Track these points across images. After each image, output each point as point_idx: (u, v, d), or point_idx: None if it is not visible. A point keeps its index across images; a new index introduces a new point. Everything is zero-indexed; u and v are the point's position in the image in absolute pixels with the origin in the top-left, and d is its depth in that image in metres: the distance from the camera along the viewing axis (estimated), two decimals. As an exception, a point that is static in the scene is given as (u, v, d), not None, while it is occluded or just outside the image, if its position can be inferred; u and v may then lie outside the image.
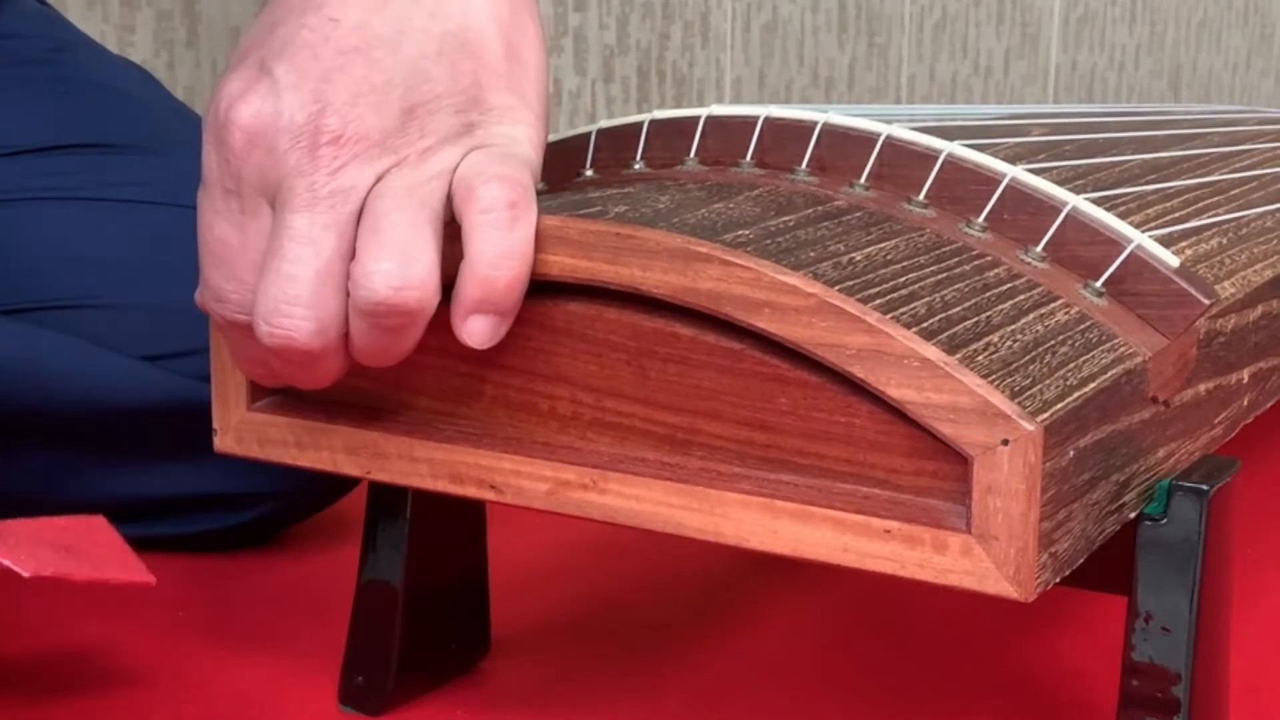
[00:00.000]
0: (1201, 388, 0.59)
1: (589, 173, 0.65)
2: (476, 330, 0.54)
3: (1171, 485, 0.55)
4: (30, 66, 0.85)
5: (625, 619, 0.76)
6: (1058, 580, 0.50)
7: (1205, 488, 0.55)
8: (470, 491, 0.56)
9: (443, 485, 0.57)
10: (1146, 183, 0.69)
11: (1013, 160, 0.61)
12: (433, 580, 0.65)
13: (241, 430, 0.61)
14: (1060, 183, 0.60)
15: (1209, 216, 0.68)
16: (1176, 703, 0.54)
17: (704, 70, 1.52)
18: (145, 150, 0.81)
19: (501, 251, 0.53)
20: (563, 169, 0.65)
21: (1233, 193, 0.73)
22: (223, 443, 0.61)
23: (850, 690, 0.68)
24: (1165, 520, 0.55)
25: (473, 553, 0.68)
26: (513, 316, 0.54)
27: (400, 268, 0.52)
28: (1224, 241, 0.66)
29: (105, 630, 0.72)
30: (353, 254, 0.53)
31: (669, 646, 0.72)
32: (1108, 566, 0.55)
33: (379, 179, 0.53)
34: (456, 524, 0.66)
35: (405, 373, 0.58)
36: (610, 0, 1.42)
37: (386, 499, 0.64)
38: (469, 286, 0.53)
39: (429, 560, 0.65)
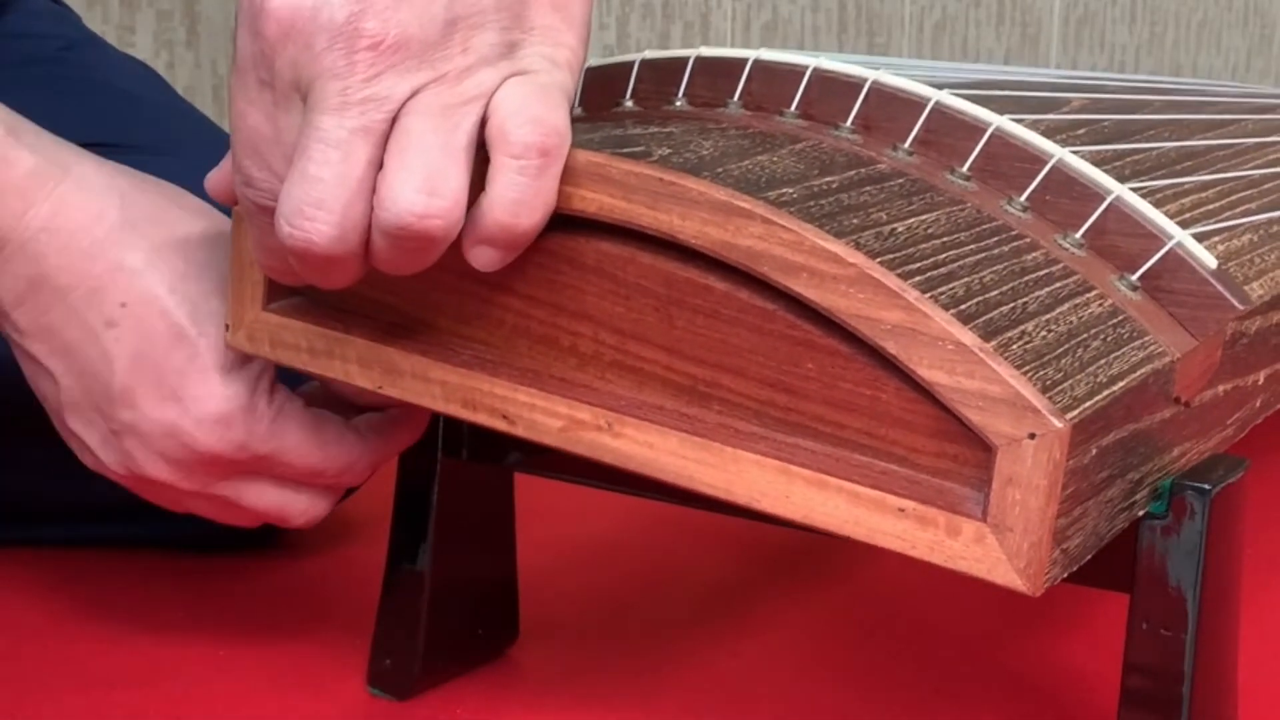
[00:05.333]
0: (1220, 388, 0.59)
1: (629, 103, 0.64)
2: (483, 259, 0.53)
3: (1174, 484, 0.55)
4: (38, 66, 0.83)
5: (629, 619, 0.76)
6: (1064, 576, 0.50)
7: (1208, 487, 0.55)
8: (482, 419, 0.56)
9: (454, 409, 0.56)
10: (1182, 171, 0.68)
11: (1052, 135, 0.60)
12: (461, 563, 0.65)
13: (254, 329, 0.60)
14: (1098, 164, 0.59)
15: (1241, 210, 0.67)
16: (1177, 703, 0.54)
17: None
18: (152, 150, 0.79)
19: (522, 199, 0.52)
20: (601, 96, 0.64)
21: (1265, 186, 0.73)
22: (234, 339, 0.60)
23: (850, 690, 0.68)
24: (1168, 519, 0.55)
25: (500, 536, 0.68)
26: (523, 249, 0.54)
27: (426, 196, 0.51)
28: (1254, 239, 0.66)
29: (105, 630, 0.71)
30: (381, 163, 0.52)
31: (667, 647, 0.72)
32: (1111, 563, 0.55)
33: (414, 93, 0.52)
34: (484, 508, 0.66)
35: (427, 291, 0.57)
36: (610, 0, 1.41)
37: (415, 482, 0.64)
38: (484, 224, 0.52)
39: (457, 543, 0.65)
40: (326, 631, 0.71)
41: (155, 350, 0.61)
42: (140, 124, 0.82)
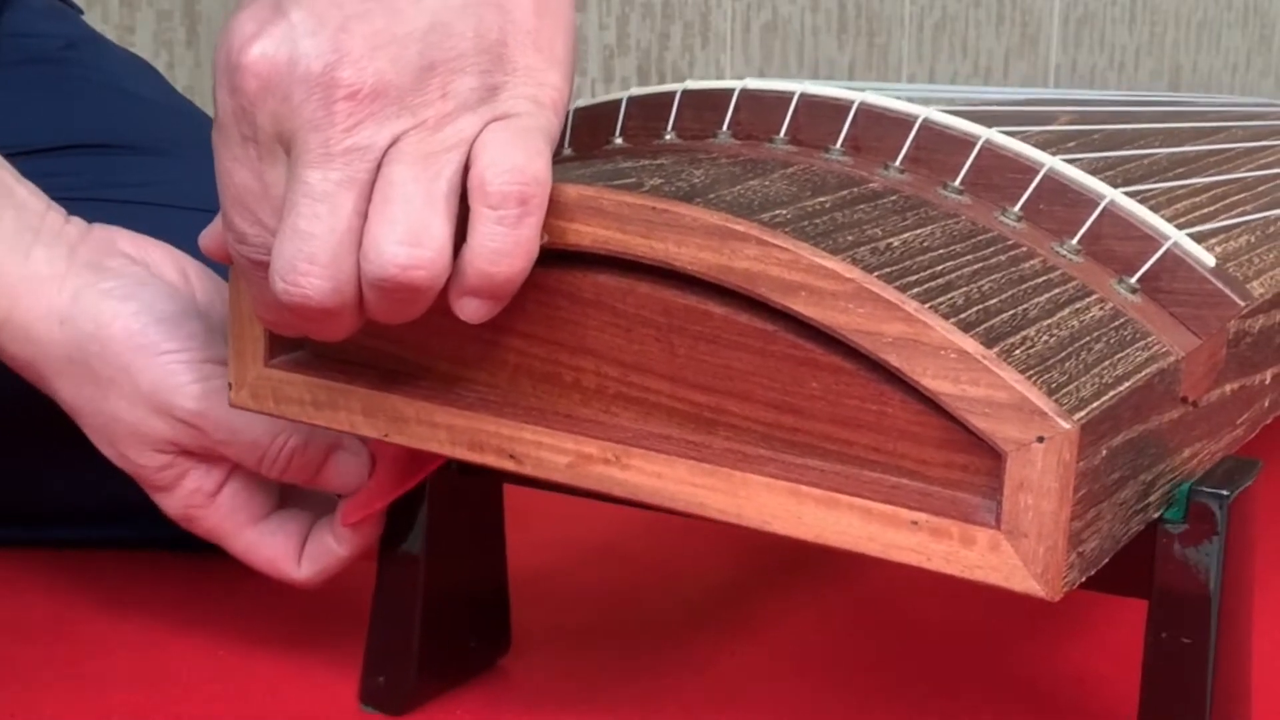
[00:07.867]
0: (1227, 388, 0.59)
1: (618, 140, 0.64)
2: (470, 310, 0.53)
3: (1191, 489, 0.54)
4: (39, 65, 0.83)
5: (625, 622, 0.75)
6: (1083, 580, 0.49)
7: (1226, 493, 0.54)
8: (490, 460, 0.56)
9: (461, 452, 0.56)
10: (1174, 176, 0.68)
11: (1043, 148, 0.60)
12: (452, 577, 0.65)
13: (257, 386, 0.60)
14: (1090, 173, 0.59)
15: (1236, 213, 0.67)
16: (1199, 709, 0.54)
17: (704, 70, 1.51)
18: (153, 151, 0.80)
19: (502, 249, 0.52)
20: (591, 135, 0.65)
21: (1259, 189, 0.73)
22: (238, 398, 0.60)
23: (852, 692, 0.68)
24: (1185, 525, 0.54)
25: (490, 548, 0.67)
26: (509, 298, 0.54)
27: (409, 247, 0.51)
28: (1252, 240, 0.66)
29: (106, 630, 0.71)
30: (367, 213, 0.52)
31: (664, 650, 0.72)
32: (1127, 570, 0.54)
33: (395, 140, 0.52)
34: (474, 520, 0.66)
35: (427, 336, 0.57)
36: (610, 0, 1.42)
37: (404, 497, 0.64)
38: (467, 275, 0.52)
39: (447, 557, 0.65)
40: (327, 632, 0.71)
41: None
42: (142, 125, 0.82)
